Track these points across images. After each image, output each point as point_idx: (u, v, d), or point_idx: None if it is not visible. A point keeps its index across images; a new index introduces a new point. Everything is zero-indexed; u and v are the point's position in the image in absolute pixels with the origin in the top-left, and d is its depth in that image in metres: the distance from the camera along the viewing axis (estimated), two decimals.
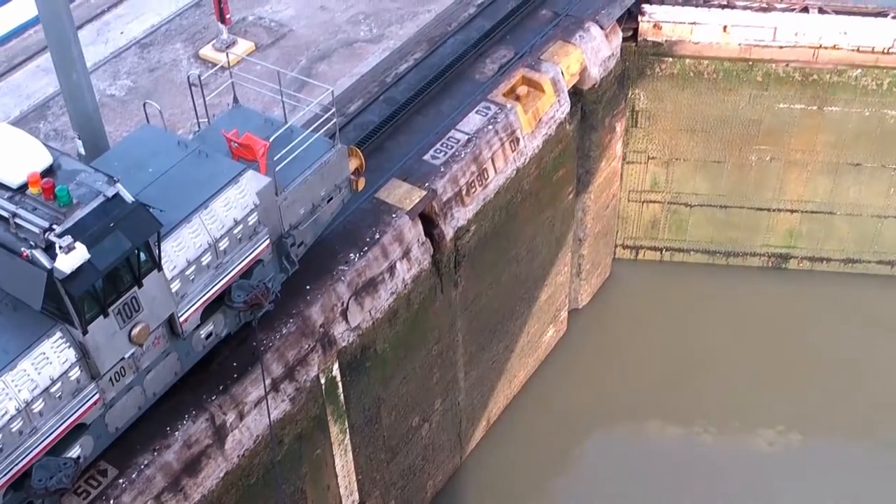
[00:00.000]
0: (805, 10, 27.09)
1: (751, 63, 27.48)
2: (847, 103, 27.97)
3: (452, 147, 21.98)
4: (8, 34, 26.01)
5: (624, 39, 27.02)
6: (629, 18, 27.06)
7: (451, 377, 24.44)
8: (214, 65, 24.56)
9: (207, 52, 24.86)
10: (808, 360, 28.62)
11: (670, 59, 27.55)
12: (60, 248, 13.82)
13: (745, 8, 27.16)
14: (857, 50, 27.09)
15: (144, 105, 18.60)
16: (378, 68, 24.31)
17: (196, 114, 19.22)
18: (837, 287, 30.43)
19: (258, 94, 19.57)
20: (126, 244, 14.64)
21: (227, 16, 24.32)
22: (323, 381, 19.67)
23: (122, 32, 26.02)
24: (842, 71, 27.38)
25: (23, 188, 14.77)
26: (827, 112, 28.20)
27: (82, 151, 19.05)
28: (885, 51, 27.01)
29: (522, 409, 27.49)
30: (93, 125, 18.79)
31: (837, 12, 27.10)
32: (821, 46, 27.13)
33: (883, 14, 27.02)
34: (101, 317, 14.95)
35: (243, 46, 24.96)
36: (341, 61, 24.67)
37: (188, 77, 19.27)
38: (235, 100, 19.41)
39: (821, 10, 27.05)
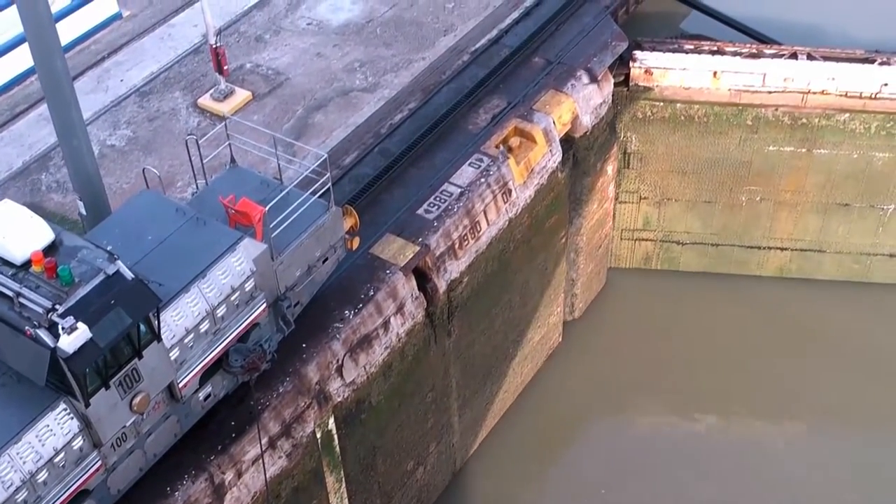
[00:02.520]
0: (794, 56, 27.55)
1: (741, 107, 27.93)
2: (835, 146, 28.44)
3: (445, 201, 22.43)
4: (9, 82, 26.39)
5: (616, 84, 27.49)
6: (621, 64, 27.51)
7: (445, 421, 24.88)
8: (213, 114, 25.07)
9: (206, 101, 25.28)
10: (805, 369, 28.81)
11: (661, 104, 28.00)
12: (63, 328, 14.26)
13: (734, 54, 27.62)
14: (845, 95, 27.54)
15: (144, 171, 19.01)
16: (373, 118, 24.74)
17: (194, 174, 19.66)
18: (831, 296, 30.65)
19: (255, 145, 19.97)
20: (126, 320, 15.09)
21: (225, 67, 24.73)
22: (319, 435, 20.11)
23: (121, 80, 26.44)
24: (830, 115, 27.84)
25: (26, 265, 15.23)
26: (816, 154, 28.66)
27: (83, 211, 19.57)
28: (873, 96, 27.46)
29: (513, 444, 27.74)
30: (93, 186, 19.29)
31: (826, 58, 27.55)
32: (809, 91, 27.57)
33: (870, 60, 27.48)
34: (103, 389, 15.39)
35: (241, 96, 25.37)
36: (337, 111, 25.09)
37: (186, 140, 19.67)
38: (232, 160, 19.84)
39: (809, 57, 27.51)
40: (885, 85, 27.33)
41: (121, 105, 25.68)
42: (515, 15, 28.07)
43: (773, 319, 29.96)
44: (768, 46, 28.32)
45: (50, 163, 23.98)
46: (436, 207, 22.30)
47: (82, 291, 14.87)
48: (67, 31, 27.32)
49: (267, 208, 17.64)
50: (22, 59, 26.06)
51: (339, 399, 20.17)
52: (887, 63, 27.40)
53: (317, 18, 28.27)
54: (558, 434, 27.42)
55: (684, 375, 28.41)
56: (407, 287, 21.14)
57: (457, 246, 22.19)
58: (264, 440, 18.67)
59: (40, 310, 14.55)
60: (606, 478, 26.60)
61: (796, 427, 27.73)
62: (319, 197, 18.61)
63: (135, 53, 27.36)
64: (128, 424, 16.21)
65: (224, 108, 24.95)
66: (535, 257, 25.60)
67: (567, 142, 25.79)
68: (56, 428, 15.18)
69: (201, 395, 17.79)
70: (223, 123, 19.66)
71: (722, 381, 28.46)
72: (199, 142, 19.11)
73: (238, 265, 17.20)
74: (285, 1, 29.10)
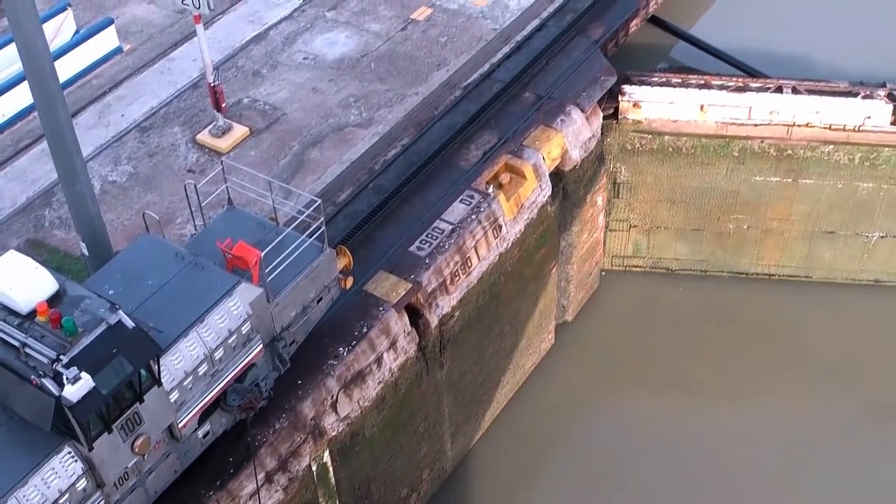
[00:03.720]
0: (779, 90, 28.20)
1: (727, 139, 28.59)
2: (821, 176, 29.09)
3: (437, 238, 23.09)
4: (13, 117, 27.04)
5: (605, 117, 28.18)
6: (610, 97, 28.18)
7: (438, 448, 25.52)
8: (211, 150, 25.72)
9: (204, 137, 25.93)
10: (800, 367, 29.20)
11: (650, 136, 28.66)
12: (67, 378, 14.93)
13: (721, 88, 28.27)
14: (829, 128, 28.24)
15: (144, 215, 19.66)
16: (367, 155, 25.38)
17: (192, 218, 20.33)
18: (826, 296, 31.06)
19: (251, 188, 20.61)
20: (128, 368, 15.77)
21: (223, 105, 25.39)
22: (314, 467, 20.76)
23: (122, 115, 27.10)
24: (815, 147, 28.49)
25: (32, 314, 15.90)
26: (801, 184, 29.31)
27: (86, 252, 20.24)
28: (856, 128, 28.15)
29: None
30: (95, 228, 20.01)
31: (810, 92, 28.21)
32: (794, 124, 28.26)
33: (853, 94, 28.13)
34: (106, 433, 16.05)
35: (238, 132, 26.01)
36: (332, 147, 25.74)
37: (184, 187, 20.34)
38: (230, 201, 20.50)
39: (794, 90, 28.16)
40: (868, 118, 28.02)
41: (122, 140, 26.33)
42: (507, 49, 28.73)
43: (766, 321, 30.34)
44: (754, 80, 28.95)
45: (53, 199, 24.60)
46: (427, 244, 22.96)
47: (86, 341, 15.53)
48: (70, 65, 28.14)
49: (263, 253, 18.27)
50: (25, 94, 26.70)
51: (333, 433, 20.82)
52: (870, 97, 28.05)
53: (313, 53, 28.92)
54: (546, 452, 27.79)
55: (677, 394, 28.82)
56: (399, 323, 21.79)
57: (448, 282, 22.84)
58: (261, 475, 19.33)
59: (45, 360, 15.22)
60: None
61: (802, 432, 28.04)
62: (314, 239, 19.23)
63: (135, 88, 28.02)
64: (130, 465, 16.85)
65: (222, 144, 25.62)
66: (525, 288, 26.25)
67: (557, 175, 26.44)
68: (61, 470, 15.84)
69: (200, 432, 18.45)
70: (220, 168, 20.29)
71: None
72: (198, 186, 19.75)
73: (235, 309, 17.86)
74: (282, 35, 29.77)
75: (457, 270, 23.04)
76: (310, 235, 19.07)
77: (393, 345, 21.71)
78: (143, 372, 16.20)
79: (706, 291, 31.13)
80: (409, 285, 22.09)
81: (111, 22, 29.16)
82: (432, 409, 24.26)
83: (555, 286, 28.17)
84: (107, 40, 29.08)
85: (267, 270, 18.39)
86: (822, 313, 30.65)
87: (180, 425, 17.63)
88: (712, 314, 30.55)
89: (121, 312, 15.98)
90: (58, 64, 25.47)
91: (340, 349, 20.98)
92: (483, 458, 27.39)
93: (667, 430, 27.78)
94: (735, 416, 28.14)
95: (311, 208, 19.07)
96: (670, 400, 28.49)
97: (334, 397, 20.63)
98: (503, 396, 27.58)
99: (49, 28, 28.19)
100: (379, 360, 21.46)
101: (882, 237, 30.25)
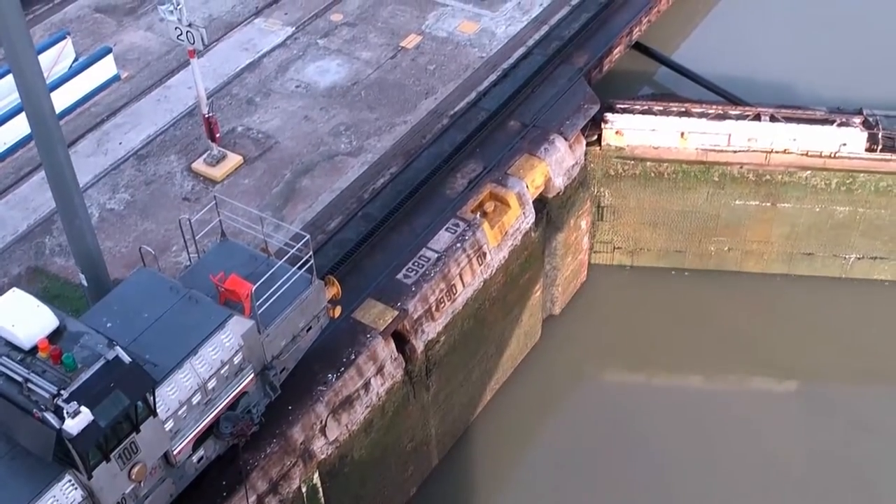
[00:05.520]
0: (757, 117, 29.08)
1: (708, 165, 29.48)
2: (799, 200, 29.98)
3: (423, 266, 23.96)
4: (14, 145, 27.87)
5: (588, 143, 29.05)
6: (593, 125, 29.05)
7: (425, 466, 26.36)
8: (206, 178, 26.56)
9: (199, 166, 26.78)
10: (796, 363, 29.66)
11: (632, 162, 29.54)
12: (68, 413, 15.80)
13: (701, 115, 29.14)
14: (807, 154, 29.13)
15: (140, 249, 20.54)
16: (356, 183, 26.24)
17: (188, 251, 21.21)
18: (811, 292, 31.45)
19: (244, 222, 21.44)
20: (125, 401, 16.65)
21: (217, 135, 26.25)
22: (304, 489, 21.61)
23: (120, 143, 27.94)
24: (792, 172, 29.38)
25: (34, 350, 16.79)
26: (780, 208, 30.19)
27: (85, 283, 21.10)
28: (832, 155, 29.04)
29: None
30: (94, 261, 20.86)
31: (788, 119, 29.08)
32: (772, 151, 29.15)
33: (830, 121, 28.99)
34: (104, 462, 16.92)
35: (232, 160, 26.85)
36: (323, 175, 26.59)
37: (179, 222, 21.21)
38: (223, 233, 21.36)
39: (772, 118, 29.03)
40: (844, 145, 28.92)
41: (119, 168, 27.17)
42: (493, 77, 29.59)
43: (759, 314, 30.78)
44: (733, 107, 29.81)
45: (53, 226, 25.42)
46: (414, 272, 23.82)
47: (84, 376, 16.41)
48: (69, 94, 29.00)
49: (254, 288, 19.13)
50: (26, 123, 27.53)
51: (323, 456, 21.67)
52: (846, 124, 28.91)
53: (305, 81, 29.79)
54: (525, 459, 28.33)
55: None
56: (386, 350, 22.66)
57: (434, 308, 23.70)
58: (253, 498, 20.18)
59: (47, 394, 16.11)
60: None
61: (796, 421, 28.40)
62: (303, 271, 20.08)
63: (133, 116, 28.88)
64: (127, 491, 17.70)
65: (216, 172, 26.47)
66: (510, 311, 27.12)
67: (541, 201, 27.30)
68: (62, 497, 16.69)
69: (194, 458, 19.30)
70: (214, 202, 21.15)
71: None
72: (192, 220, 20.63)
73: (227, 341, 18.72)
74: (275, 63, 30.64)
75: (442, 297, 23.90)
76: (300, 267, 19.91)
77: (380, 370, 22.57)
78: (139, 404, 17.05)
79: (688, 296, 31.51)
80: (396, 313, 22.95)
81: (109, 51, 30.03)
82: (419, 429, 25.11)
83: (539, 307, 29.02)
84: (105, 68, 29.94)
85: (258, 303, 19.22)
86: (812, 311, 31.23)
87: (175, 452, 18.49)
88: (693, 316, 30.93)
89: (118, 348, 16.85)
90: (57, 92, 26.68)
91: (329, 375, 21.84)
92: (469, 470, 27.92)
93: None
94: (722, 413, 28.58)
95: (301, 242, 19.90)
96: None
97: (323, 422, 21.49)
98: (490, 416, 28.35)
99: (49, 56, 29.18)
100: (367, 386, 22.31)
101: (859, 259, 31.12)
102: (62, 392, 16.09)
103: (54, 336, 17.03)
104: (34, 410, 16.11)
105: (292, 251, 20.06)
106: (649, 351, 29.95)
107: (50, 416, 15.99)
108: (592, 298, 31.17)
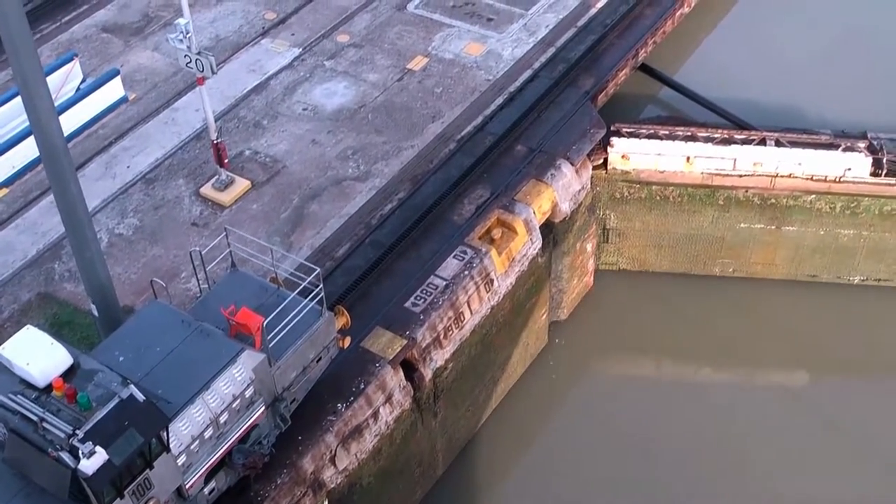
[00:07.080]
0: (762, 142, 29.22)
1: (713, 189, 29.61)
2: (803, 223, 30.12)
3: (431, 293, 24.08)
4: (22, 169, 27.97)
5: (594, 167, 29.17)
6: (599, 148, 29.15)
7: (432, 489, 26.47)
8: (214, 203, 26.66)
9: (207, 191, 26.88)
10: (803, 366, 29.94)
11: (638, 185, 29.67)
12: (83, 453, 15.92)
13: (706, 140, 29.27)
14: (811, 178, 29.26)
15: (152, 282, 20.65)
16: (364, 209, 26.33)
17: (199, 283, 21.33)
18: (817, 297, 31.49)
19: (252, 253, 21.53)
20: (139, 440, 16.76)
21: (225, 161, 26.37)
22: None
23: (128, 166, 28.04)
24: (797, 196, 29.52)
25: (48, 388, 16.90)
26: (784, 231, 30.33)
27: (96, 314, 21.21)
28: (837, 179, 29.17)
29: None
30: (104, 291, 20.94)
31: (793, 144, 29.22)
32: (777, 175, 29.27)
33: (835, 146, 29.14)
34: (119, 498, 17.03)
35: (240, 185, 26.94)
36: (331, 200, 26.68)
37: (190, 254, 21.33)
38: (233, 264, 21.48)
39: (777, 143, 29.17)
40: (849, 169, 29.05)
41: (128, 192, 27.25)
42: (500, 101, 29.71)
43: (762, 321, 30.86)
44: (738, 132, 29.95)
45: (62, 251, 25.52)
46: (422, 300, 23.94)
47: (99, 415, 16.52)
48: (77, 116, 29.10)
49: (266, 321, 19.24)
50: (34, 146, 27.65)
51: (332, 485, 21.80)
52: (851, 149, 29.05)
53: (312, 103, 29.90)
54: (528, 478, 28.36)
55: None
56: (395, 379, 22.78)
57: (442, 336, 23.82)
58: None
59: (62, 434, 16.21)
60: None
61: (802, 422, 28.48)
62: (314, 303, 20.20)
63: (140, 139, 28.97)
64: None
65: (225, 197, 26.57)
66: (516, 336, 27.25)
67: (547, 226, 27.41)
68: None
69: (206, 490, 19.43)
70: (224, 234, 21.27)
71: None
72: (202, 252, 20.75)
73: (239, 375, 18.85)
74: (282, 85, 30.74)
75: (450, 325, 24.02)
76: (310, 299, 20.02)
77: (389, 399, 22.70)
78: (153, 441, 17.16)
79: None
80: (405, 341, 23.08)
81: (117, 73, 30.13)
82: (427, 454, 25.24)
83: (545, 330, 29.14)
84: (113, 90, 30.06)
85: (269, 336, 19.34)
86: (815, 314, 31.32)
87: (187, 486, 18.62)
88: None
89: (132, 387, 16.97)
90: (66, 115, 26.72)
91: (339, 405, 21.96)
92: (471, 480, 27.85)
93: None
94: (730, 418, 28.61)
95: (312, 276, 20.01)
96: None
97: (333, 452, 21.61)
98: (497, 439, 28.46)
99: (57, 78, 29.31)
100: (375, 415, 22.43)
101: (863, 280, 31.25)
102: (77, 432, 16.19)
103: (68, 374, 17.14)
104: (49, 450, 16.21)
105: (304, 283, 20.14)
106: (654, 363, 30.21)
107: (65, 456, 16.12)
108: (597, 317, 31.17)
